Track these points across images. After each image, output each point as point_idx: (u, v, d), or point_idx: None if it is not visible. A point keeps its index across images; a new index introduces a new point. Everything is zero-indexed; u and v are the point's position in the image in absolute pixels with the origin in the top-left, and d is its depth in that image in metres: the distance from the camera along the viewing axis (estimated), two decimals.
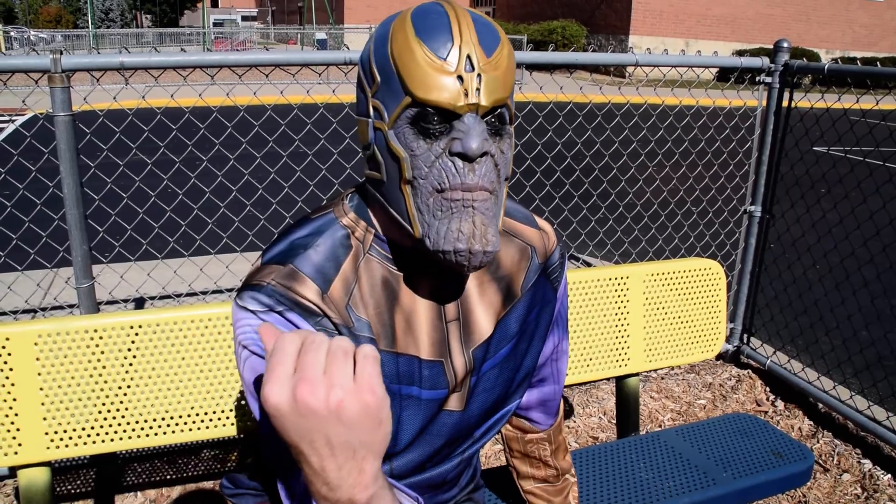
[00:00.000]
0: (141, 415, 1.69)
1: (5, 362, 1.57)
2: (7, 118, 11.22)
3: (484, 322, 1.11)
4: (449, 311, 1.08)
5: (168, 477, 2.51)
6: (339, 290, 0.99)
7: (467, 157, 0.91)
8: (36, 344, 1.58)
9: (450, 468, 1.17)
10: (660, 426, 2.96)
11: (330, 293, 0.97)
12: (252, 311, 0.95)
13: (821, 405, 3.09)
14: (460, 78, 0.90)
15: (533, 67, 3.17)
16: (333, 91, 2.85)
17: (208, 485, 2.47)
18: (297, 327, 0.95)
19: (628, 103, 3.55)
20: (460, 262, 0.93)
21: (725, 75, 17.77)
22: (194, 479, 2.50)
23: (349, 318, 1.00)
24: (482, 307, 1.11)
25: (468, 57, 0.91)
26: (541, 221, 1.22)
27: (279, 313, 0.95)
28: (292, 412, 0.69)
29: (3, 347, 1.56)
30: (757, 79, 3.21)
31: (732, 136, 3.72)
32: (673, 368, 3.45)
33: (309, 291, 0.97)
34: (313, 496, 0.76)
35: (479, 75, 0.91)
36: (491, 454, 2.72)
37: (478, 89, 0.91)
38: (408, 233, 0.97)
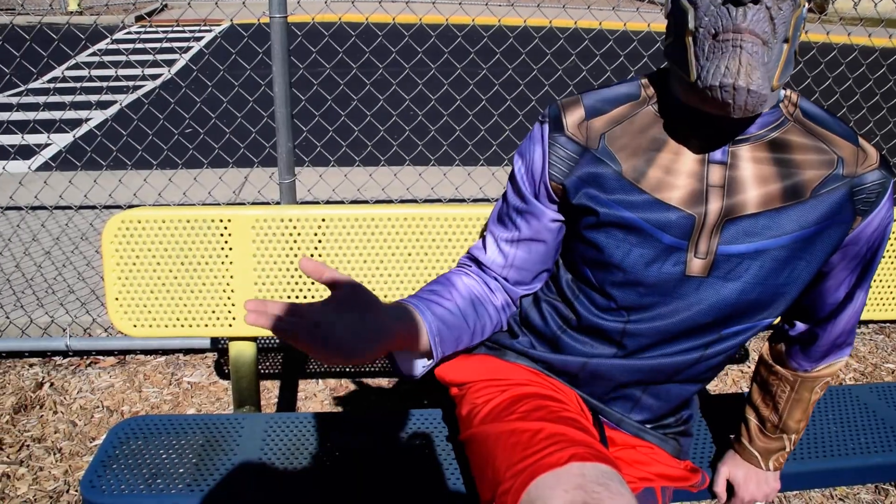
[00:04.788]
0: None
1: (226, 242, 1.71)
2: (206, 28, 11.93)
3: (751, 198, 1.11)
4: (713, 175, 1.11)
5: (348, 371, 2.68)
6: (601, 123, 1.17)
7: (738, 2, 0.95)
8: (253, 227, 1.70)
9: (683, 361, 1.20)
10: (839, 384, 2.80)
11: (591, 122, 1.17)
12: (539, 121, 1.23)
13: None
14: None
15: None
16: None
17: (383, 382, 2.62)
18: (541, 137, 1.20)
19: (820, 45, 3.25)
20: (725, 100, 0.99)
21: None
22: (371, 375, 2.66)
23: (598, 144, 1.16)
24: (753, 184, 1.11)
25: None
26: (865, 143, 1.15)
27: (540, 122, 1.21)
28: None
29: (226, 228, 1.70)
30: None
31: None
32: (860, 326, 3.24)
33: (573, 116, 1.18)
34: None
35: None
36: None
37: None
38: (686, 85, 1.08)
